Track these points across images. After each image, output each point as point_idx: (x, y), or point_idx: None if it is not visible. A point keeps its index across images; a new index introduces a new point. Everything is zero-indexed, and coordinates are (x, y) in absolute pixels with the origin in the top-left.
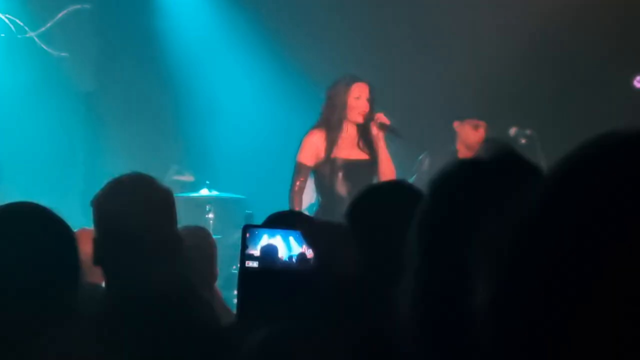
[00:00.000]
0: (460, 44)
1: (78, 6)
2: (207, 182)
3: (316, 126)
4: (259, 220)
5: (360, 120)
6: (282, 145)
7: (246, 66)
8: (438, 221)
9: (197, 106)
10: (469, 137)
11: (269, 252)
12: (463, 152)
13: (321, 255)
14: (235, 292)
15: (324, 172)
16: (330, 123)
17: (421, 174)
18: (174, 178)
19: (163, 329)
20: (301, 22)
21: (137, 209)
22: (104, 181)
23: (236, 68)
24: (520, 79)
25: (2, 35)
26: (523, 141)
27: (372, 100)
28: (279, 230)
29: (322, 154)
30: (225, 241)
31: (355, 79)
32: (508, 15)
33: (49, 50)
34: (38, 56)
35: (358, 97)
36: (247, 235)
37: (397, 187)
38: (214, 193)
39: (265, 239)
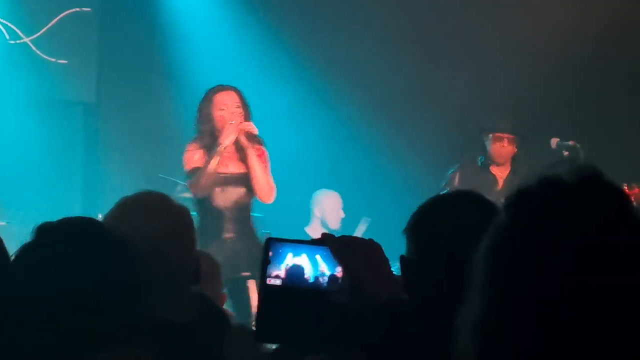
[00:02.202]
0: (494, 53)
1: (77, 9)
2: None
3: (192, 141)
4: None
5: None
6: (301, 160)
7: (259, 77)
8: (517, 242)
9: None
10: (494, 150)
11: (295, 273)
12: (494, 165)
13: (352, 275)
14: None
15: None
16: (202, 138)
17: (453, 189)
18: (182, 195)
19: None
20: (318, 27)
21: (152, 231)
22: (103, 199)
23: (248, 79)
24: (554, 88)
25: None
26: (565, 153)
27: (243, 107)
28: (305, 247)
29: None
30: None
31: (219, 89)
32: (539, 23)
33: (46, 57)
34: (33, 64)
35: (223, 109)
36: (270, 249)
37: (466, 198)
38: None
39: (289, 258)
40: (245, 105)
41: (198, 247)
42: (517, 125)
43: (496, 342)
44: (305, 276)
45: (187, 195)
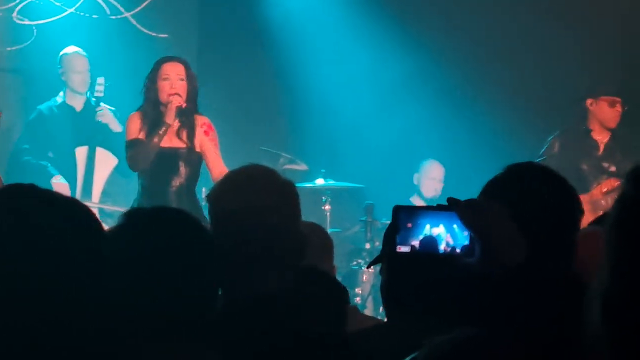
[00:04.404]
0: (598, 16)
1: None
2: (323, 170)
3: (136, 111)
4: (380, 212)
5: (168, 101)
6: (404, 128)
7: (363, 48)
8: None
9: (308, 89)
10: (605, 115)
11: (430, 243)
12: (598, 131)
13: (481, 239)
14: (357, 290)
15: None
16: (145, 107)
17: (552, 157)
18: (285, 167)
19: (291, 336)
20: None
21: (259, 206)
22: (205, 174)
23: (352, 49)
24: None
25: (95, 16)
26: None
27: (188, 81)
28: (442, 217)
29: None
30: (344, 235)
31: (166, 59)
32: None
33: (146, 31)
34: (134, 38)
35: (166, 78)
36: (402, 218)
37: (531, 169)
38: (330, 183)
39: (427, 228)
40: (190, 78)
41: None
42: (616, 88)
43: (625, 316)
44: (441, 246)
45: (291, 167)
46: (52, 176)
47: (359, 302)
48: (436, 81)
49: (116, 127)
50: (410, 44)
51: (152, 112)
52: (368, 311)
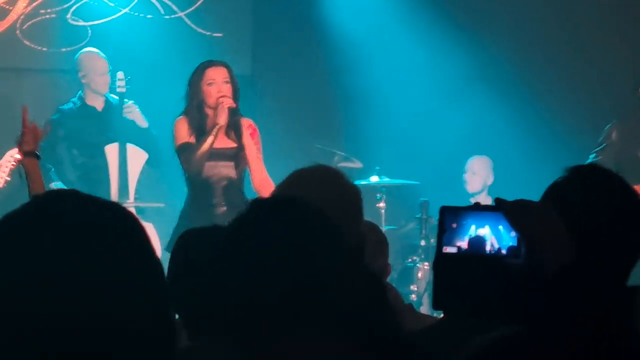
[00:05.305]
0: None
1: None
2: (377, 168)
3: (181, 116)
4: (435, 209)
5: (218, 104)
6: (459, 125)
7: (420, 45)
8: None
9: (363, 86)
10: None
11: (477, 244)
12: None
13: (528, 240)
14: (413, 287)
15: None
16: (190, 111)
17: (611, 144)
18: (340, 165)
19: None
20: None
21: (321, 204)
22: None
23: (408, 46)
24: None
25: (150, 16)
26: None
27: (232, 83)
28: (488, 218)
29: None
30: (399, 232)
31: (209, 64)
32: None
33: (201, 31)
34: (189, 38)
35: (211, 83)
36: (449, 219)
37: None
38: (385, 180)
39: (473, 229)
40: (234, 80)
41: (190, 222)
42: None
43: None
44: (487, 248)
45: (346, 164)
46: (52, 181)
47: (415, 299)
48: (494, 79)
49: (142, 122)
50: (469, 41)
51: (198, 115)
52: (424, 308)
